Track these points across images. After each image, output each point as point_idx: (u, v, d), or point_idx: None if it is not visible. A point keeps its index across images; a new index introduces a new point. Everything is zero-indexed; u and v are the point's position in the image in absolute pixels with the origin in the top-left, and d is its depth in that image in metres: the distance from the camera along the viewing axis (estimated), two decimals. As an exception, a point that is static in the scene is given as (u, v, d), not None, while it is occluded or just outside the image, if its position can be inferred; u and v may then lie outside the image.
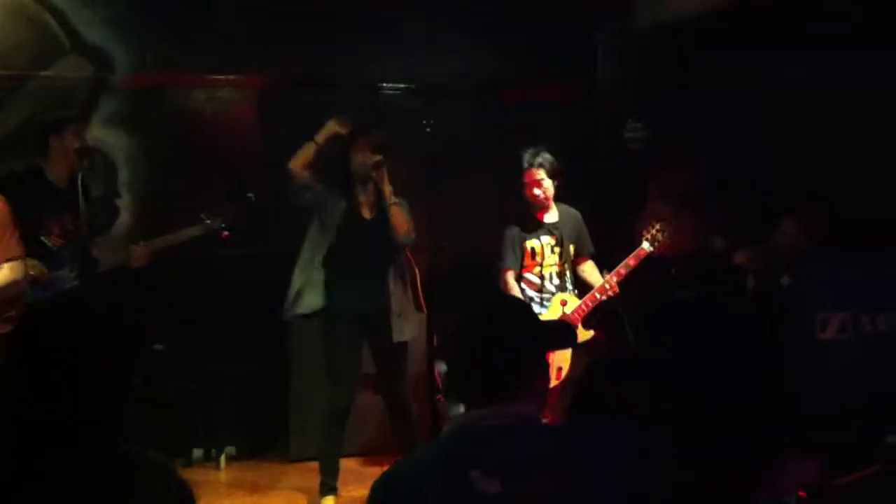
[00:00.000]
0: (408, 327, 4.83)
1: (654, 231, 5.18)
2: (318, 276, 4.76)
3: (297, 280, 4.83)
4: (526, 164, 5.08)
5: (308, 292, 4.77)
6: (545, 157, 5.07)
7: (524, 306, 2.28)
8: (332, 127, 4.80)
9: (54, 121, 4.53)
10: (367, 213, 4.82)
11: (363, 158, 4.71)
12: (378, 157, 4.68)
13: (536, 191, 5.09)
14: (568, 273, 5.24)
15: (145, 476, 1.90)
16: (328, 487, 4.83)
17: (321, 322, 4.83)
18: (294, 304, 4.83)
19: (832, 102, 5.40)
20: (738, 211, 5.93)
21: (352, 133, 4.82)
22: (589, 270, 5.33)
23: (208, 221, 4.81)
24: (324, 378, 4.84)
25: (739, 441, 1.52)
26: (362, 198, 4.83)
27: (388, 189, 4.70)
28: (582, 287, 5.30)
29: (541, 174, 5.08)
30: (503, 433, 1.99)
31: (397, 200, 4.71)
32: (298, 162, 4.74)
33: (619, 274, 5.13)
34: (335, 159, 4.87)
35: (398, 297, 4.81)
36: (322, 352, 4.86)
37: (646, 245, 5.15)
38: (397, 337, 4.77)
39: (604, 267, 5.32)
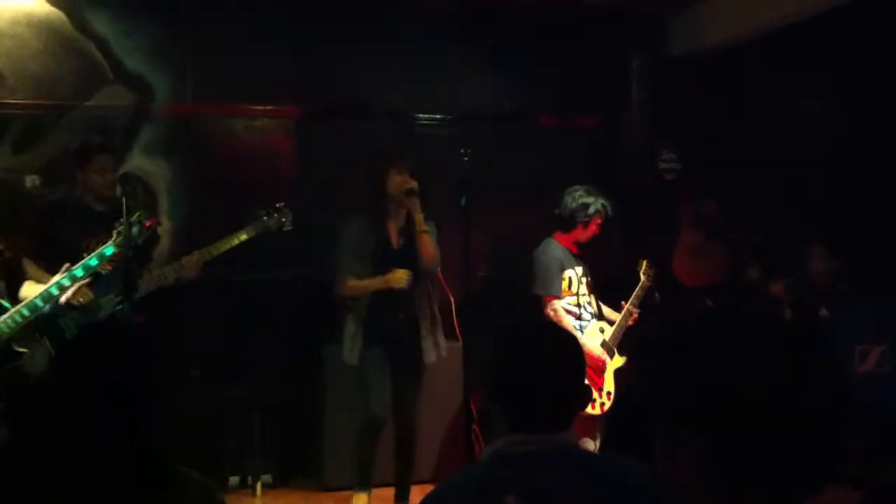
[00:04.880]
0: (435, 350, 4.95)
1: (644, 267, 5.51)
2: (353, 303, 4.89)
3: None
4: (602, 213, 5.24)
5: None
6: (610, 205, 5.26)
7: (572, 336, 2.26)
8: None
9: (78, 153, 4.63)
10: (395, 241, 4.90)
11: (400, 182, 4.78)
12: (412, 184, 4.74)
13: (594, 234, 5.29)
14: (597, 302, 5.40)
15: (190, 496, 1.93)
16: (362, 486, 4.96)
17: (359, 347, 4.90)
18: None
19: (867, 130, 5.37)
20: (771, 240, 5.90)
21: (389, 156, 4.90)
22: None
23: (265, 218, 4.80)
24: (359, 400, 4.95)
25: (773, 469, 1.51)
26: (392, 224, 4.90)
27: (419, 217, 4.76)
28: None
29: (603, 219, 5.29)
30: (538, 459, 2.00)
31: (426, 229, 4.78)
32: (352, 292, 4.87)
33: (637, 298, 5.43)
34: (372, 184, 4.92)
35: (425, 321, 4.92)
36: (356, 376, 4.96)
37: (643, 278, 5.47)
38: (429, 358, 4.93)
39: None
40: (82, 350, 2.00)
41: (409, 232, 4.85)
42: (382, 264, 4.82)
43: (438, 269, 4.93)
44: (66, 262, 4.26)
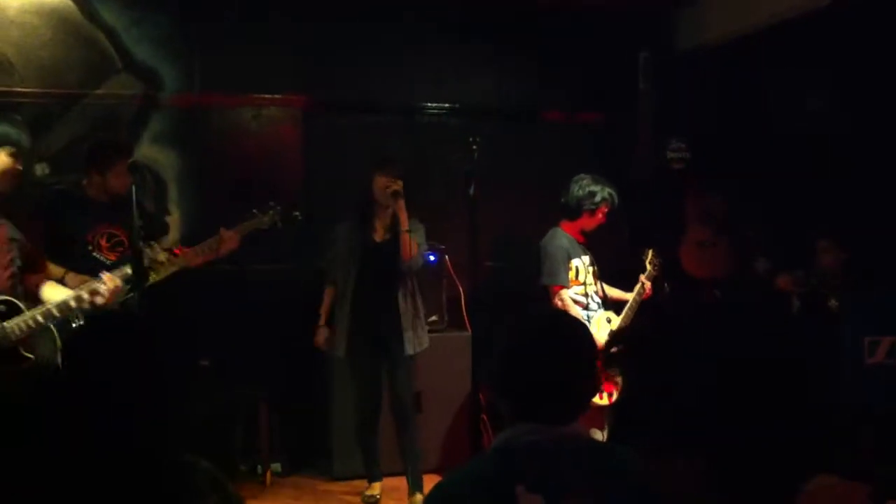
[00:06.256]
0: (415, 342, 5.14)
1: (650, 257, 5.50)
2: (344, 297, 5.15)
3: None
4: (609, 202, 5.26)
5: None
6: (616, 193, 5.29)
7: (583, 325, 2.23)
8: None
9: (100, 156, 4.53)
10: (378, 237, 5.14)
11: (385, 183, 4.98)
12: (396, 186, 4.92)
13: (600, 223, 5.33)
14: (602, 288, 5.39)
15: (198, 485, 1.93)
16: (373, 477, 5.32)
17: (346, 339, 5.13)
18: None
19: (874, 122, 5.34)
20: (779, 234, 5.87)
21: (377, 160, 5.10)
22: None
23: (261, 215, 4.85)
24: (352, 393, 5.26)
25: (764, 460, 1.50)
26: (377, 222, 5.14)
27: (403, 217, 4.96)
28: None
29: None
30: (548, 450, 1.99)
31: (409, 228, 4.98)
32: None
33: (645, 287, 5.43)
34: (362, 185, 5.13)
35: (407, 314, 5.12)
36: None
37: (649, 267, 5.46)
38: (408, 351, 5.11)
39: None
40: (94, 340, 2.00)
41: (395, 230, 5.06)
42: (364, 256, 5.08)
43: (418, 266, 5.12)
44: (69, 253, 4.26)
